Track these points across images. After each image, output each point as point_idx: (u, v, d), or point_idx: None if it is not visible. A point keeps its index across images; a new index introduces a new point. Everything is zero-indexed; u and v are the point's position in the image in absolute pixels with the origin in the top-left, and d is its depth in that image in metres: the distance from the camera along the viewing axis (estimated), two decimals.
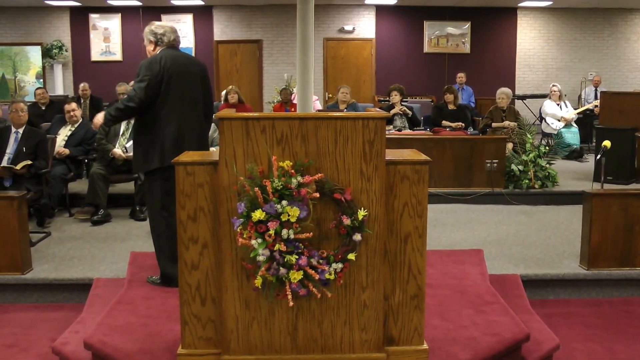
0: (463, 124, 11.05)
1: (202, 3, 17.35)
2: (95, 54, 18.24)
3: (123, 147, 8.50)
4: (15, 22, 18.28)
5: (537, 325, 5.08)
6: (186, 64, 5.56)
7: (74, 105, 9.28)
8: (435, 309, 5.09)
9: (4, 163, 7.78)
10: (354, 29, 17.85)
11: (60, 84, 18.02)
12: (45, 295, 6.25)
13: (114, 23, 18.11)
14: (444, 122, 11.12)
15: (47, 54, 18.02)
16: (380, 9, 17.79)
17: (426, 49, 17.97)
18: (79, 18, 18.14)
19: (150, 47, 5.59)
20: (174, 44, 5.61)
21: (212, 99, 5.91)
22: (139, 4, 17.39)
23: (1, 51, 18.35)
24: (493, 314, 5.02)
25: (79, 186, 9.41)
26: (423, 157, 4.15)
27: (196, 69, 5.64)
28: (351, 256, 3.91)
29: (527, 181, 9.27)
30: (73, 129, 9.10)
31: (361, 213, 3.88)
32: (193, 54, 17.80)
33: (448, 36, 17.92)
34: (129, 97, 5.33)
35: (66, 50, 18.15)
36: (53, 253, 6.89)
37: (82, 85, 13.50)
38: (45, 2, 17.13)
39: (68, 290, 6.22)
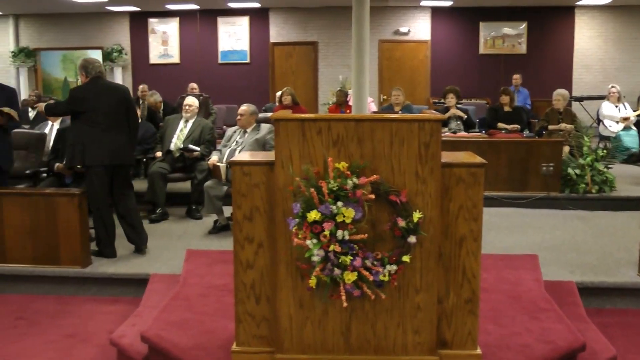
0: (519, 127, 10.92)
1: (259, 5, 17.46)
2: (154, 57, 18.54)
3: (178, 147, 8.62)
4: (77, 27, 18.71)
5: (593, 334, 4.95)
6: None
7: None
8: (489, 314, 5.04)
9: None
10: (409, 30, 17.80)
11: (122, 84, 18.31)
12: (104, 289, 6.40)
13: (172, 27, 18.36)
14: (500, 125, 11.01)
15: (107, 57, 18.39)
16: (435, 11, 17.69)
17: (482, 50, 17.80)
18: (139, 22, 18.47)
19: (82, 78, 6.89)
20: (99, 75, 6.84)
21: (135, 116, 7.13)
22: (197, 7, 17.60)
23: (64, 55, 18.78)
24: (548, 321, 4.94)
25: (137, 184, 9.55)
26: (479, 159, 4.14)
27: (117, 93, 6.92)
28: (405, 258, 3.92)
29: (583, 185, 9.11)
30: None
31: (416, 215, 3.88)
32: (248, 56, 18.09)
33: (504, 37, 17.72)
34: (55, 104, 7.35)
35: (125, 54, 18.51)
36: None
37: (141, 86, 13.71)
38: (106, 7, 17.47)
39: (125, 284, 6.35)
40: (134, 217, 6.99)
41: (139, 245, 6.96)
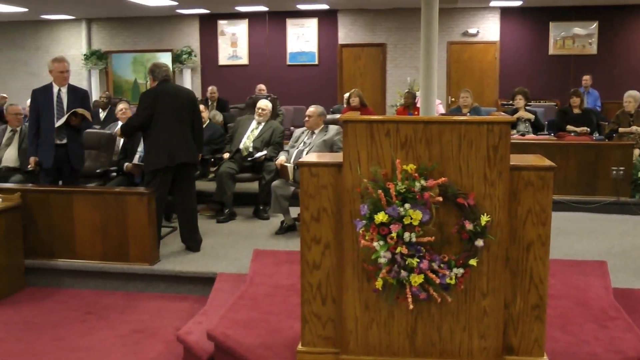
0: (588, 129, 10.74)
1: (327, 7, 17.49)
2: (223, 59, 18.73)
3: (248, 148, 8.70)
4: (148, 30, 19.04)
5: None
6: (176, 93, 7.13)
7: (201, 107, 9.51)
8: (556, 320, 4.95)
9: (135, 161, 8.11)
10: (478, 32, 17.63)
11: (189, 88, 18.56)
12: (171, 286, 6.52)
13: (241, 28, 18.52)
14: (569, 127, 10.84)
15: (177, 59, 18.69)
16: (505, 11, 17.47)
17: (551, 51, 17.48)
18: (208, 24, 18.70)
19: (150, 81, 7.18)
20: (166, 78, 7.09)
21: (200, 118, 7.48)
22: (266, 9, 17.72)
23: (135, 58, 19.13)
24: (617, 330, 4.83)
25: (205, 185, 9.68)
26: (548, 162, 4.08)
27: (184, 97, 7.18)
28: (472, 262, 3.89)
29: None
30: None
31: (484, 218, 3.85)
32: (316, 58, 18.15)
33: (574, 37, 17.37)
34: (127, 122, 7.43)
35: (195, 56, 18.76)
36: (179, 247, 7.14)
37: (210, 88, 13.86)
38: (177, 10, 17.72)
39: (192, 282, 6.45)
40: (192, 218, 7.14)
41: (191, 246, 7.12)
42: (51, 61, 7.32)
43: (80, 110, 7.17)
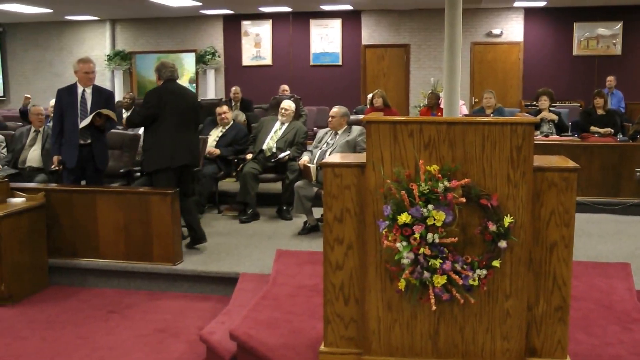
0: (612, 130, 10.65)
1: (351, 8, 17.50)
2: (246, 59, 18.79)
3: (271, 148, 8.72)
4: (172, 31, 19.14)
5: None
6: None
7: (225, 108, 9.58)
8: (579, 322, 4.93)
9: None
10: (501, 32, 17.56)
11: (212, 88, 18.71)
12: (194, 286, 6.55)
13: (264, 29, 18.57)
14: (592, 128, 10.76)
15: (200, 59, 18.78)
16: (529, 12, 17.38)
17: (575, 52, 17.35)
18: (232, 25, 18.76)
19: (156, 80, 7.25)
20: (171, 78, 7.16)
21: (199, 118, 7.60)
22: (289, 10, 17.75)
23: (159, 58, 19.13)
24: None
25: (229, 185, 9.72)
26: (571, 164, 4.06)
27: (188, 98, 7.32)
28: (495, 263, 3.88)
29: None
30: (224, 130, 9.39)
31: (507, 220, 3.84)
32: (340, 58, 18.17)
33: (598, 37, 17.23)
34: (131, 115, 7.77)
35: (219, 56, 18.84)
36: (202, 247, 7.17)
37: (234, 88, 13.90)
38: (201, 11, 17.80)
39: (215, 282, 6.48)
40: (189, 217, 7.19)
41: (199, 239, 7.24)
42: (77, 62, 7.36)
43: (104, 111, 7.21)
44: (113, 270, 6.74)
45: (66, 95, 7.32)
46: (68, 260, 6.85)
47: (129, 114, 7.68)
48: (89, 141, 7.30)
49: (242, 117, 11.11)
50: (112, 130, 8.07)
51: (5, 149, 9.07)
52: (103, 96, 7.44)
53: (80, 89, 7.32)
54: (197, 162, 7.40)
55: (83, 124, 7.16)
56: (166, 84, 7.12)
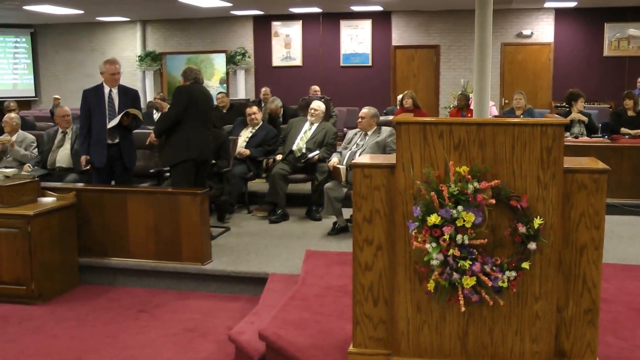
0: None
1: (381, 9, 17.49)
2: (276, 60, 18.87)
3: (301, 149, 8.74)
4: (202, 32, 19.26)
5: None
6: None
7: (255, 108, 9.62)
8: (609, 325, 4.87)
9: None
10: (532, 33, 17.47)
11: (242, 89, 18.79)
12: (223, 286, 6.58)
13: (295, 30, 18.63)
14: (623, 130, 10.64)
15: (230, 60, 18.90)
16: (559, 12, 17.27)
17: (606, 53, 17.21)
18: (262, 26, 18.84)
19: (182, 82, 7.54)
20: (196, 80, 7.44)
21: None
22: (320, 10, 17.78)
23: (189, 59, 19.34)
24: None
25: (258, 185, 9.75)
26: (602, 165, 4.02)
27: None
28: (525, 265, 3.86)
29: None
30: (254, 130, 9.43)
31: (537, 221, 3.81)
32: (370, 59, 18.17)
33: (629, 38, 17.05)
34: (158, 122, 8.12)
35: (249, 57, 18.92)
36: (231, 247, 7.22)
37: (263, 89, 13.94)
38: (231, 12, 17.88)
39: (244, 282, 6.50)
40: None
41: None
42: (103, 63, 7.43)
43: (132, 111, 7.28)
44: (142, 269, 6.79)
45: (93, 96, 7.38)
46: (98, 260, 6.92)
47: (156, 127, 7.76)
48: (117, 140, 7.36)
49: (278, 102, 11.12)
50: (142, 131, 8.12)
51: (36, 149, 9.17)
52: (129, 96, 7.51)
53: (107, 90, 7.39)
54: (212, 158, 7.78)
55: (112, 124, 7.23)
56: (192, 85, 7.41)
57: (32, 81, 20.75)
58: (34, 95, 20.74)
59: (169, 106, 8.23)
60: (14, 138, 9.16)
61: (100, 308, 6.25)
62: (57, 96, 15.79)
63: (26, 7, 15.93)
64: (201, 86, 7.56)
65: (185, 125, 7.18)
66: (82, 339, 5.51)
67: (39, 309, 6.24)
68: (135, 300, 6.45)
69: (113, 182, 7.51)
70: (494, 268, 3.86)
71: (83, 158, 7.43)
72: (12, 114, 9.64)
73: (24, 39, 20.56)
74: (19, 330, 5.74)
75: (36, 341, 5.48)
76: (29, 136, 9.34)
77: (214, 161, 7.92)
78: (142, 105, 17.43)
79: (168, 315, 6.03)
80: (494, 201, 3.81)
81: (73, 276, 6.83)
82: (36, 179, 7.00)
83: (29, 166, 8.76)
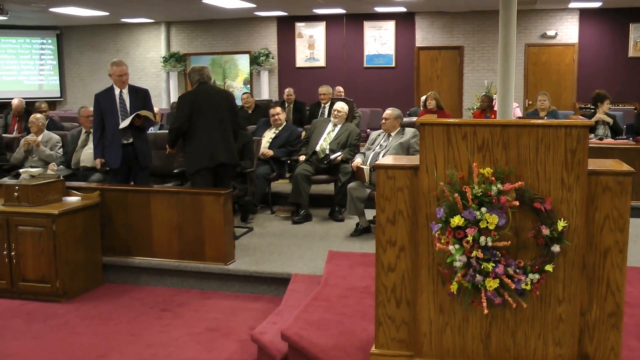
0: None
1: (405, 10, 17.46)
2: (300, 61, 18.89)
3: (324, 150, 8.75)
4: (226, 33, 19.30)
5: None
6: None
7: (278, 109, 9.64)
8: (633, 329, 4.83)
9: None
10: (556, 34, 17.36)
11: (266, 89, 18.83)
12: (246, 286, 6.61)
13: (318, 31, 18.63)
14: None
15: (254, 61, 18.93)
16: (584, 13, 17.14)
17: (631, 53, 17.04)
18: (286, 27, 18.86)
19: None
20: (202, 80, 7.34)
21: (237, 118, 7.68)
22: (343, 12, 17.78)
23: (213, 60, 19.40)
24: None
25: (281, 186, 9.77)
26: (626, 167, 3.99)
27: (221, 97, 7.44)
28: (548, 267, 3.84)
29: None
30: (277, 131, 9.45)
31: (561, 224, 3.80)
32: (393, 60, 18.13)
33: None
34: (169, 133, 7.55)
35: (272, 58, 18.94)
36: (254, 247, 7.25)
37: (287, 90, 13.95)
38: (255, 13, 17.91)
39: (267, 282, 6.53)
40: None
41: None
42: (110, 65, 7.51)
43: (143, 112, 7.37)
44: (166, 269, 6.84)
45: (104, 99, 7.47)
46: (122, 259, 6.97)
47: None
48: (131, 140, 7.43)
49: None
50: (164, 130, 8.16)
51: (61, 149, 9.25)
52: (140, 95, 7.60)
53: (117, 91, 7.49)
54: (235, 160, 7.47)
55: (123, 124, 7.30)
56: (198, 87, 7.34)
57: (58, 82, 20.90)
58: (59, 95, 20.89)
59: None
60: (39, 138, 9.24)
61: (123, 306, 6.30)
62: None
63: (52, 9, 16.05)
64: (208, 86, 7.46)
65: (194, 133, 7.13)
66: (105, 336, 5.56)
67: (63, 307, 6.30)
68: (158, 299, 6.49)
69: (132, 183, 7.57)
70: (517, 270, 3.84)
71: (98, 161, 7.52)
72: (38, 115, 9.71)
73: (49, 41, 20.72)
74: (43, 327, 5.80)
75: (60, 338, 5.53)
76: (54, 136, 9.42)
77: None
78: (166, 105, 17.65)
79: (191, 314, 6.07)
80: (517, 203, 3.80)
81: (97, 274, 6.89)
82: (61, 178, 7.06)
83: (54, 165, 8.84)
